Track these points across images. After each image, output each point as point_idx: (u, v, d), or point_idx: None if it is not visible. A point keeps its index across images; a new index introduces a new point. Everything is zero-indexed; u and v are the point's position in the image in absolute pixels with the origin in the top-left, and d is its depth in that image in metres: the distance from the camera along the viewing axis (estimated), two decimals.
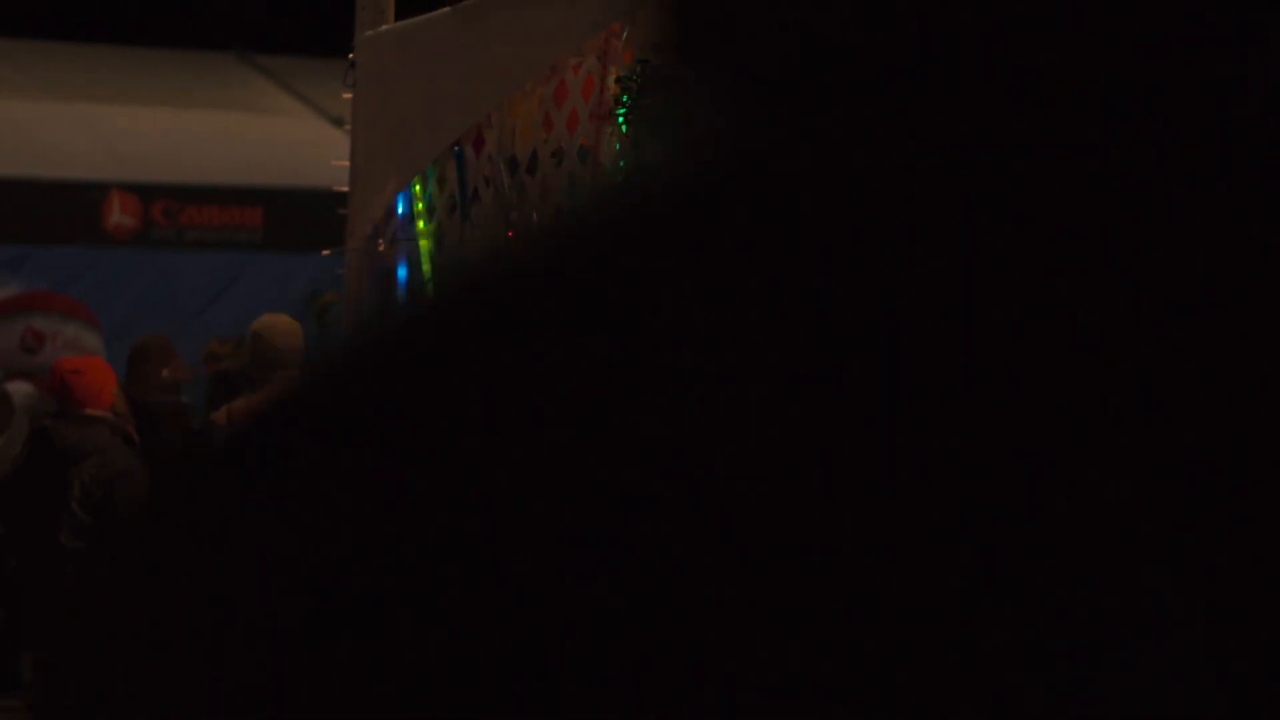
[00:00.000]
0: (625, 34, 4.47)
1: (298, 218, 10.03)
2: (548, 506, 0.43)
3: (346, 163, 5.68)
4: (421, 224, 5.42)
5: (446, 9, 5.22)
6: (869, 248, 0.43)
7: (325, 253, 6.02)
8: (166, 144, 10.52)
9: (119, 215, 10.47)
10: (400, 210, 5.48)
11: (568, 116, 4.63)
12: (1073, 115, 0.44)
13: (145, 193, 10.56)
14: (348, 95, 5.69)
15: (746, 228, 0.44)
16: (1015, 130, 0.44)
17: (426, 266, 5.40)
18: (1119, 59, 0.45)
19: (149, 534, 0.49)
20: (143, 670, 0.46)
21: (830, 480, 0.41)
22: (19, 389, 7.08)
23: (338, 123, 9.05)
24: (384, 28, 5.59)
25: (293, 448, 0.46)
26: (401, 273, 5.38)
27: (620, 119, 4.36)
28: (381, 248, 5.47)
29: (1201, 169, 0.44)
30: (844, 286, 0.43)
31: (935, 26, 0.44)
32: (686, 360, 0.43)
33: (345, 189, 5.70)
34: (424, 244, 5.40)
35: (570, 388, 0.43)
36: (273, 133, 11.49)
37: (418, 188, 5.46)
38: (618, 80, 4.39)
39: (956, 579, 0.41)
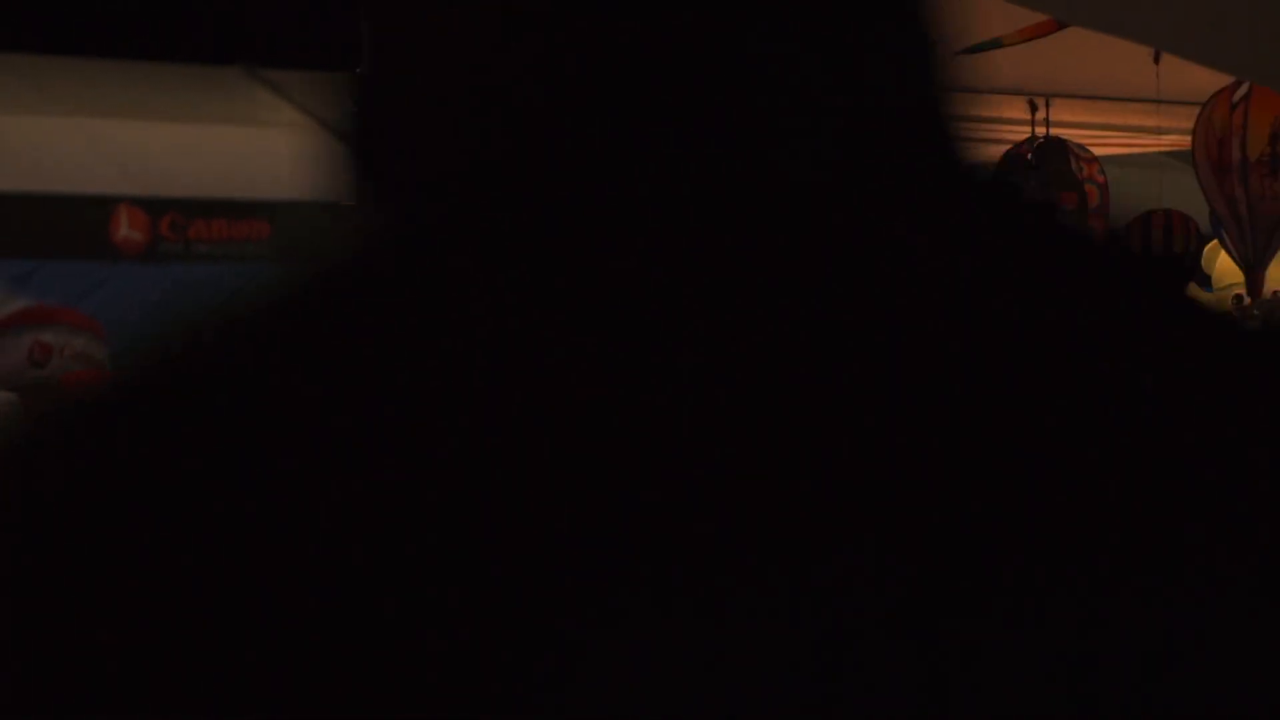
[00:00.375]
0: None
1: (305, 231, 10.04)
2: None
3: None
4: None
5: None
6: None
7: None
8: (174, 158, 10.54)
9: (127, 229, 10.48)
10: None
11: None
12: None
13: (153, 207, 10.57)
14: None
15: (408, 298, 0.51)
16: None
17: None
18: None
19: None
20: None
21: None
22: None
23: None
24: None
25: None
26: None
27: None
28: None
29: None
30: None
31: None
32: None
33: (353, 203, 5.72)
34: None
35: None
36: (279, 146, 11.50)
37: None
38: None
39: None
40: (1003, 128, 6.57)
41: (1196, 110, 5.73)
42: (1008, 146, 6.42)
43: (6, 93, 10.78)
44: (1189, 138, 5.80)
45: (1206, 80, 5.31)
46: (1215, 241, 6.25)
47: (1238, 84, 5.48)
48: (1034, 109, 6.44)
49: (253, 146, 11.90)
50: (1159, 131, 6.51)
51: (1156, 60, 5.76)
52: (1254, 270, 5.61)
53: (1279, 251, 5.67)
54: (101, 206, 10.42)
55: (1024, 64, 5.85)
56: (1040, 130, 6.41)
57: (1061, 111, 6.51)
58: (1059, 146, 6.33)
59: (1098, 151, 6.52)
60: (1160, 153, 7.26)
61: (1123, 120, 6.81)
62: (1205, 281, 6.49)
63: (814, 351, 0.48)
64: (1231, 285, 6.10)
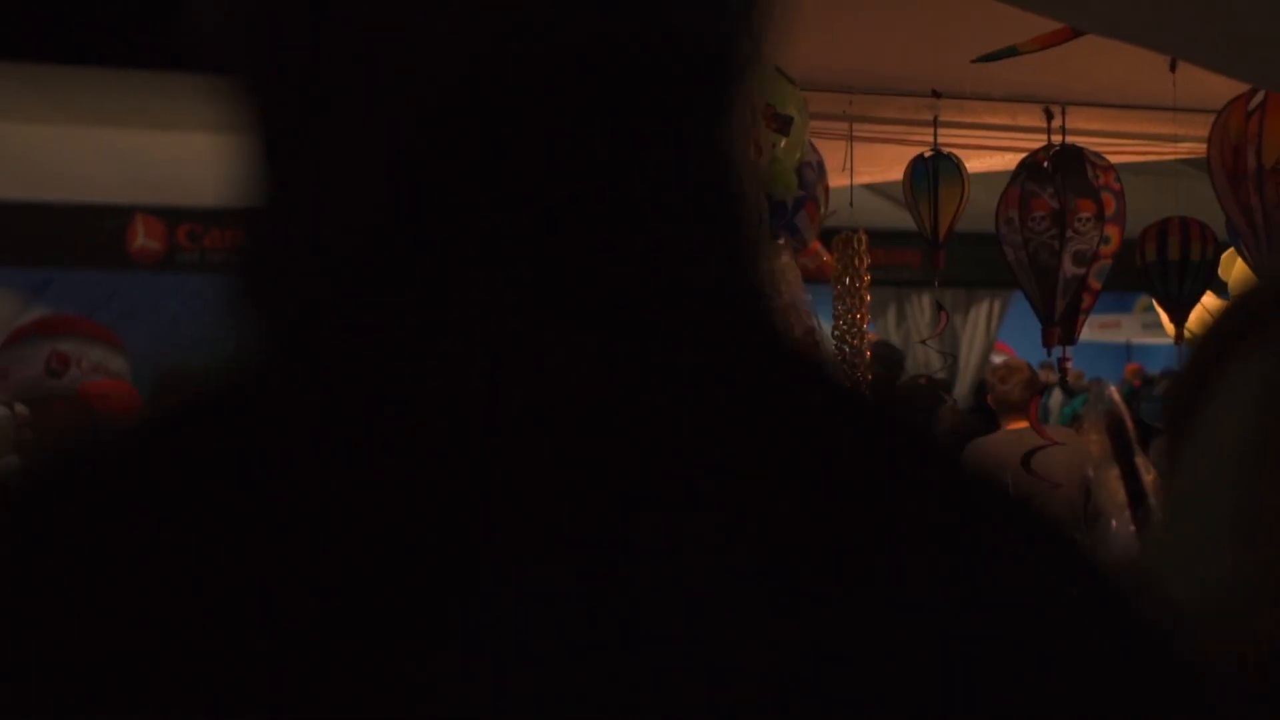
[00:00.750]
0: None
1: None
2: None
3: None
4: None
5: None
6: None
7: None
8: (190, 168, 10.57)
9: (143, 239, 10.51)
10: None
11: None
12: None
13: (169, 216, 10.60)
14: None
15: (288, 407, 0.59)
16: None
17: None
18: None
19: None
20: None
21: None
22: None
23: None
24: None
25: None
26: None
27: None
28: None
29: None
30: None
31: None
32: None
33: None
34: None
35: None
36: None
37: None
38: None
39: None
40: (1019, 136, 6.57)
41: (1212, 118, 5.73)
42: (1023, 154, 6.42)
43: (23, 103, 10.83)
44: (1205, 145, 5.79)
45: (1222, 88, 5.30)
46: (1232, 249, 6.24)
47: (1253, 92, 5.47)
48: (1050, 117, 6.44)
49: None
50: (1175, 139, 6.50)
51: (1173, 68, 5.75)
52: None
53: None
54: (118, 216, 10.45)
55: (1040, 72, 5.85)
56: (1056, 138, 6.40)
57: (1077, 119, 6.50)
58: (1075, 154, 6.32)
59: (1114, 159, 6.51)
60: (1176, 160, 7.24)
61: (1139, 128, 6.79)
62: (1222, 289, 6.48)
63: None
64: None
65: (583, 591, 0.54)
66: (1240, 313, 1.20)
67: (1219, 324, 1.21)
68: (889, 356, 8.93)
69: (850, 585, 0.57)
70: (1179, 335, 6.41)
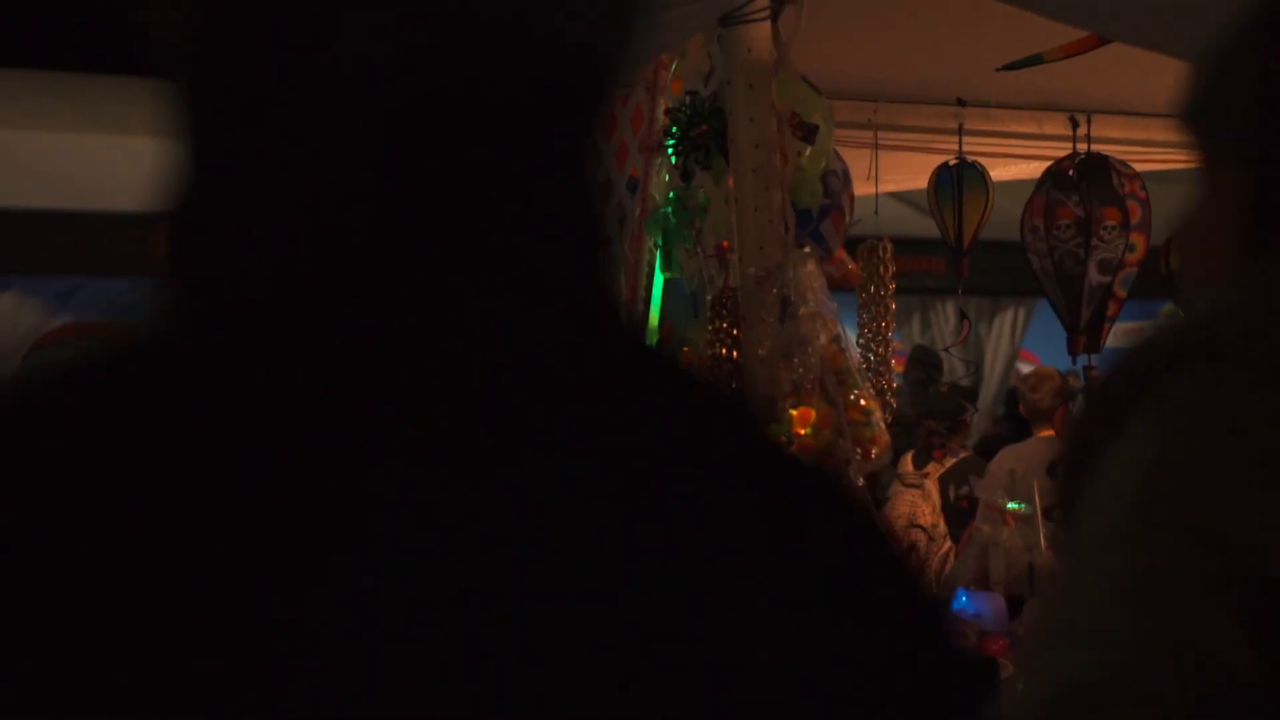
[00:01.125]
0: (674, 65, 4.48)
1: None
2: None
3: None
4: None
5: None
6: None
7: None
8: None
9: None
10: None
11: (616, 148, 4.64)
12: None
13: None
14: None
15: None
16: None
17: None
18: None
19: None
20: None
21: None
22: None
23: None
24: None
25: None
26: None
27: (670, 150, 4.36)
28: None
29: None
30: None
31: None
32: None
33: None
34: None
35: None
36: None
37: None
38: (667, 111, 4.40)
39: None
40: (1043, 144, 6.55)
41: None
42: (1049, 162, 6.41)
43: (46, 111, 10.86)
44: None
45: None
46: None
47: None
48: (1075, 125, 6.42)
49: None
50: None
51: None
52: None
53: None
54: (143, 224, 10.44)
55: (1065, 80, 5.84)
56: (1081, 146, 6.39)
57: (1102, 127, 6.49)
58: (1100, 162, 6.31)
59: (1139, 167, 6.50)
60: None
61: (1164, 136, 6.77)
62: None
63: None
64: None
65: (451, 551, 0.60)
66: (1134, 371, 1.20)
67: (1112, 381, 1.21)
68: (928, 361, 8.96)
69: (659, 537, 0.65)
70: None
